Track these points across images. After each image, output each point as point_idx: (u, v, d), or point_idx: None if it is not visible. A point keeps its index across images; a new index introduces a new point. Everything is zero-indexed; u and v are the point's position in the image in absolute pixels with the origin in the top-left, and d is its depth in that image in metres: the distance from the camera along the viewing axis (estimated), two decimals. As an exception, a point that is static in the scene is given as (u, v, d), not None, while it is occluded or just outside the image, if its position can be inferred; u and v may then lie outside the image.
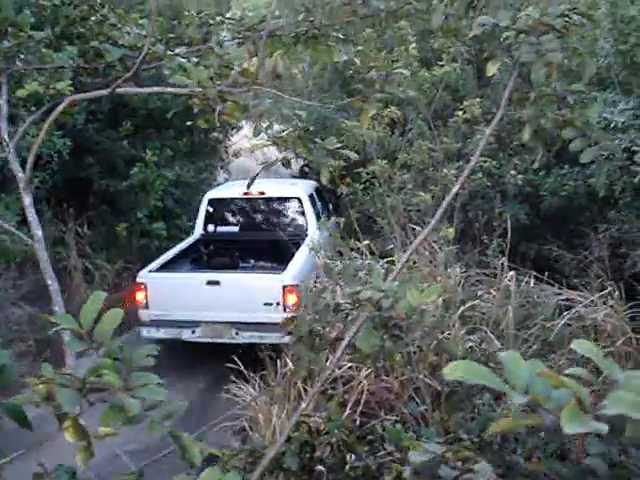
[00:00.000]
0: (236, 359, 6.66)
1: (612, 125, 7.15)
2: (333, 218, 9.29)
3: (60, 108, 2.33)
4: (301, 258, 8.57)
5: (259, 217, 10.50)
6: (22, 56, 2.83)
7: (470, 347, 6.04)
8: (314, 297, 2.65)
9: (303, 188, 10.44)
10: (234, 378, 6.66)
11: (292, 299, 7.79)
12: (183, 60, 2.20)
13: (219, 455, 2.09)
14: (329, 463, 2.61)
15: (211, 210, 10.36)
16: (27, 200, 2.36)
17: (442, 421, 5.34)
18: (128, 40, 2.81)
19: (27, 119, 2.59)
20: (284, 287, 7.83)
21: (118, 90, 2.20)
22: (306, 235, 9.53)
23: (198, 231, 10.35)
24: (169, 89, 2.17)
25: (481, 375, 1.01)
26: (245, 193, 10.01)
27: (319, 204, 10.63)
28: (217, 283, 8.18)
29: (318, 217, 9.90)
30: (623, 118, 6.80)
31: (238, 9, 22.79)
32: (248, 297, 8.02)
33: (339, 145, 2.47)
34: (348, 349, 2.44)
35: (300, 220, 9.99)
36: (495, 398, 4.81)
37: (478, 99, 9.40)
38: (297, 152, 2.46)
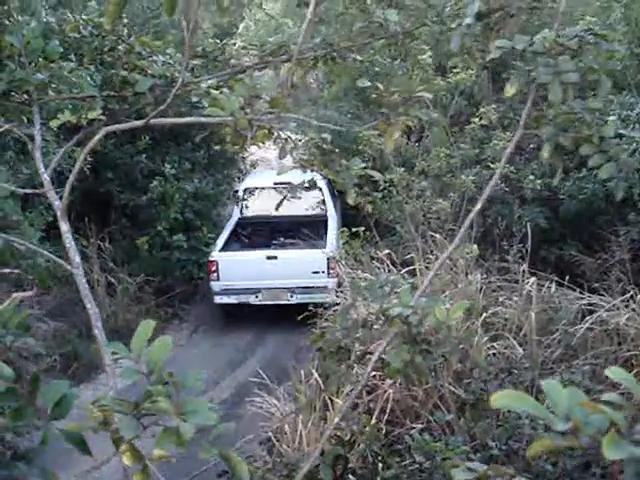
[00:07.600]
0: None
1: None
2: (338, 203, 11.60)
3: (96, 139, 2.42)
4: (332, 235, 10.63)
5: (287, 202, 11.70)
6: (54, 86, 2.92)
7: (494, 354, 6.07)
8: (342, 313, 2.71)
9: (323, 179, 11.36)
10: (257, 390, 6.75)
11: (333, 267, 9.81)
12: (215, 92, 2.28)
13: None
14: (361, 474, 2.68)
15: (247, 197, 12.27)
16: (64, 227, 2.44)
17: (468, 428, 5.38)
18: (156, 70, 2.91)
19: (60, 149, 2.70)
20: (328, 259, 9.90)
21: (153, 121, 2.29)
22: (327, 216, 11.55)
23: (236, 215, 12.31)
24: (202, 119, 2.25)
25: (526, 403, 1.09)
26: (275, 183, 11.36)
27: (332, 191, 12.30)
28: (275, 258, 10.31)
29: (334, 201, 11.83)
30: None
31: (251, 20, 22.98)
32: (300, 268, 10.17)
33: (364, 165, 2.54)
34: (377, 363, 2.50)
35: (321, 204, 11.80)
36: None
37: (494, 104, 9.42)
38: (323, 174, 2.54)
